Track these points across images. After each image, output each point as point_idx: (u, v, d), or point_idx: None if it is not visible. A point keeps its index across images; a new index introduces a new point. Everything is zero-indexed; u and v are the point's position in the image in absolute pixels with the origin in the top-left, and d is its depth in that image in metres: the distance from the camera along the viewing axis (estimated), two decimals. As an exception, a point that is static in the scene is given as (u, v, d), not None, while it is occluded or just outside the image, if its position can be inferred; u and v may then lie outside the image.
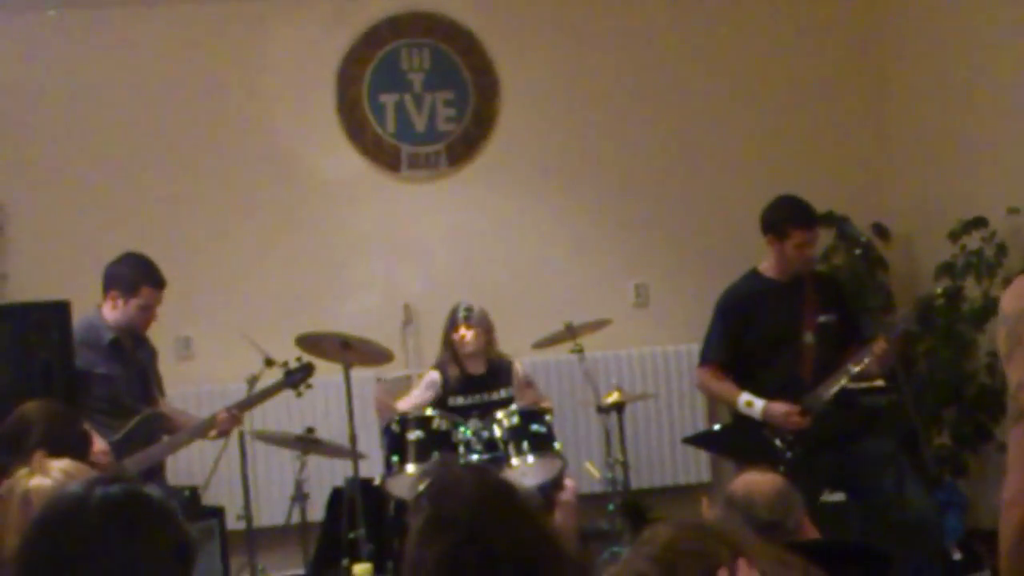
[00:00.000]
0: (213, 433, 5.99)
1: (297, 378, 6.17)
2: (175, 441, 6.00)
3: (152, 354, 6.22)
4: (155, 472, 5.92)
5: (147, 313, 5.97)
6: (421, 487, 2.62)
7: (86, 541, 2.15)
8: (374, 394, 6.72)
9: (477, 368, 6.77)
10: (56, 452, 3.42)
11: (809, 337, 5.90)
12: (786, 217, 5.92)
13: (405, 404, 6.62)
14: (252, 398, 6.08)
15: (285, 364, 6.15)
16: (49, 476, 2.98)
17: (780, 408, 5.73)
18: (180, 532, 2.24)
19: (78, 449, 4.06)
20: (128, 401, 5.91)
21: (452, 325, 6.75)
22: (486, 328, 6.75)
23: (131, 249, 6.06)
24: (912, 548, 5.41)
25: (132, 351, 6.03)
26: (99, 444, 5.52)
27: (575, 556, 2.74)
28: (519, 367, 6.88)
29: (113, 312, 5.92)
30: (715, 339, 6.10)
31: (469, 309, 6.73)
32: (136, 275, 5.93)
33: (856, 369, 5.67)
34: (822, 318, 5.91)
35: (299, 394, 6.24)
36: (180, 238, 7.25)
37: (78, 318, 5.87)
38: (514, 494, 2.68)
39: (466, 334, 6.69)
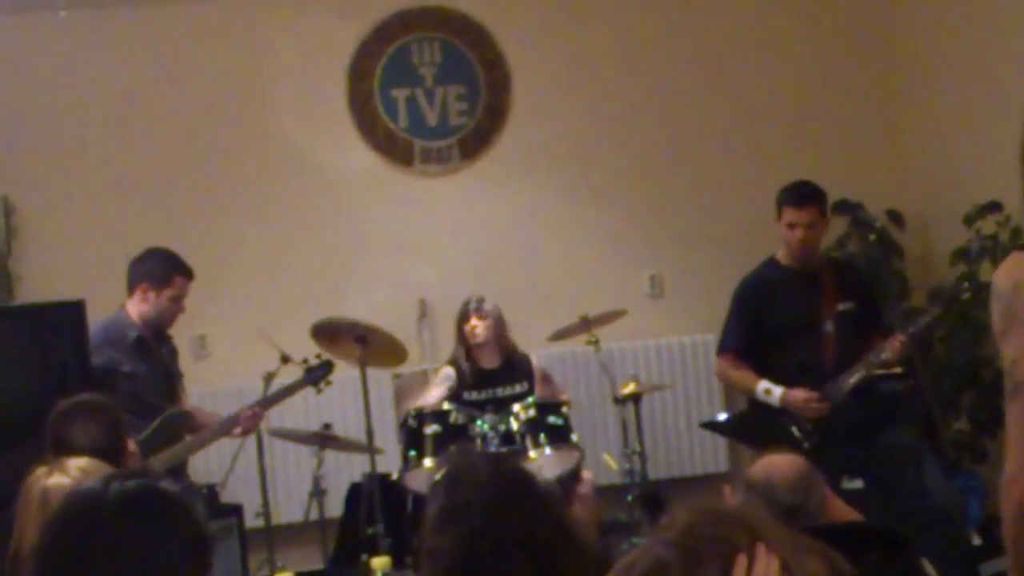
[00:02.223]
0: (238, 431, 6.01)
1: (318, 375, 6.19)
2: (200, 439, 6.01)
3: (173, 352, 6.23)
4: (178, 470, 5.95)
5: (178, 304, 6.03)
6: (438, 476, 2.62)
7: (103, 536, 2.15)
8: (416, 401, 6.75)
9: (492, 362, 6.77)
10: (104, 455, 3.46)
11: (829, 326, 5.89)
12: (780, 196, 5.95)
13: (422, 403, 6.63)
14: (274, 395, 6.10)
15: (305, 361, 6.16)
16: (67, 474, 3.00)
17: (800, 395, 5.72)
18: (197, 526, 2.24)
19: (120, 449, 4.11)
20: (153, 399, 5.93)
21: (463, 317, 6.76)
22: (497, 320, 6.75)
23: (143, 248, 6.09)
24: (932, 535, 5.39)
25: (156, 349, 6.06)
26: (129, 444, 5.59)
27: (593, 546, 2.74)
28: (536, 361, 6.87)
29: (143, 306, 5.95)
30: (733, 327, 6.10)
31: (479, 300, 6.74)
32: (167, 266, 6.00)
33: (876, 362, 5.66)
34: (842, 306, 5.90)
35: (319, 391, 6.25)
36: (193, 236, 7.25)
37: (101, 318, 5.89)
38: (530, 483, 2.67)
39: (476, 325, 6.69)
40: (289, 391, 6.14)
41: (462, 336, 6.77)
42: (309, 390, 6.25)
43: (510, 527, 2.52)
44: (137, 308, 5.96)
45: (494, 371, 6.76)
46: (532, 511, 2.57)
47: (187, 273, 6.04)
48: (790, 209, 5.88)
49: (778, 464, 3.47)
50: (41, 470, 3.03)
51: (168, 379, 6.12)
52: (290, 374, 6.21)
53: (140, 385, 5.91)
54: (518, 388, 6.71)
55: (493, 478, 2.61)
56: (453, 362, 6.80)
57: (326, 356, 6.23)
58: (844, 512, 3.53)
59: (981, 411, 6.82)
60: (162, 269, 5.98)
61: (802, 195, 5.93)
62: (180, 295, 6.02)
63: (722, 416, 7.19)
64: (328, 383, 6.26)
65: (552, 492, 3.03)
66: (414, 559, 5.80)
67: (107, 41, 7.43)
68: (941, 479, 5.69)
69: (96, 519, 2.18)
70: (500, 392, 6.67)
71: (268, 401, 6.08)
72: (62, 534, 2.20)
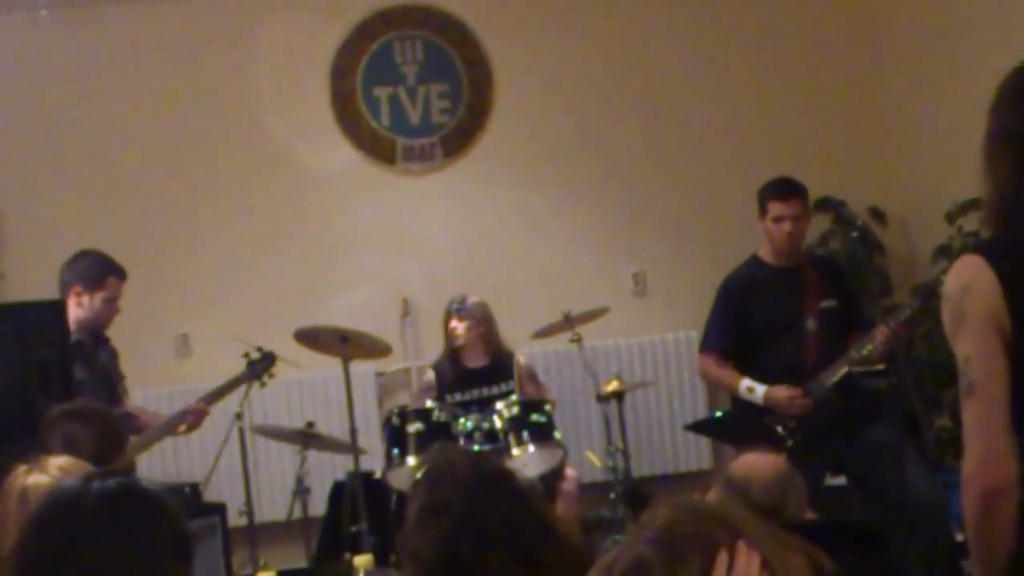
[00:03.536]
0: (183, 428, 5.99)
1: (259, 368, 6.15)
2: (145, 440, 5.95)
3: (113, 355, 6.15)
4: (126, 472, 5.91)
5: (112, 306, 5.94)
6: (419, 474, 2.62)
7: (83, 535, 2.15)
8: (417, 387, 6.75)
9: (477, 362, 6.77)
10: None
11: (811, 323, 5.89)
12: (764, 191, 5.95)
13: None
14: (218, 390, 6.07)
15: (247, 355, 6.14)
16: (47, 473, 2.99)
17: (782, 392, 5.72)
18: (177, 525, 2.24)
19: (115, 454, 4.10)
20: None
21: (446, 318, 6.76)
22: (481, 320, 6.74)
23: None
24: (916, 531, 5.41)
25: (94, 353, 5.99)
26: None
27: (576, 542, 2.74)
28: (521, 360, 6.87)
29: (77, 310, 5.85)
30: (715, 326, 6.09)
31: (461, 301, 6.73)
32: (99, 268, 5.91)
33: (858, 357, 5.67)
34: (824, 303, 5.90)
35: (263, 384, 6.20)
36: (176, 235, 7.25)
37: None
38: (510, 480, 2.68)
39: (457, 327, 6.70)
40: (232, 385, 6.10)
41: (447, 336, 6.77)
42: (290, 388, 6.23)
43: (490, 524, 2.52)
44: (72, 313, 5.83)
45: (479, 370, 6.76)
46: (512, 508, 2.58)
47: (119, 274, 5.94)
48: (776, 203, 5.88)
49: (758, 463, 3.46)
50: (21, 469, 3.02)
51: (108, 383, 6.06)
52: (275, 370, 6.21)
53: (82, 390, 5.86)
54: (504, 387, 6.71)
55: (472, 475, 2.61)
56: (435, 366, 6.81)
57: (268, 349, 6.19)
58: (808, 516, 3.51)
59: (963, 407, 6.82)
60: (94, 271, 5.89)
61: (787, 188, 5.94)
62: (114, 296, 5.92)
63: (717, 414, 7.17)
64: (271, 375, 6.21)
65: (533, 489, 3.03)
66: (397, 557, 5.80)
67: (89, 40, 7.41)
68: (924, 476, 5.70)
69: (77, 518, 2.18)
70: (485, 392, 6.67)
71: (212, 396, 6.05)
72: (43, 533, 2.19)
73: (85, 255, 5.98)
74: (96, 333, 6.00)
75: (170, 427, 5.98)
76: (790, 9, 7.84)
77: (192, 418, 5.97)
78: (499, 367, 6.79)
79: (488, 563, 2.50)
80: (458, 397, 6.64)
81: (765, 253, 6.02)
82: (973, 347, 2.78)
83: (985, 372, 2.77)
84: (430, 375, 6.80)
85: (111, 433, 4.13)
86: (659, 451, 7.61)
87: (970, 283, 2.81)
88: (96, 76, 7.40)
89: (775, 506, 3.30)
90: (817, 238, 7.36)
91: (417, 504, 2.59)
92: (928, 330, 6.94)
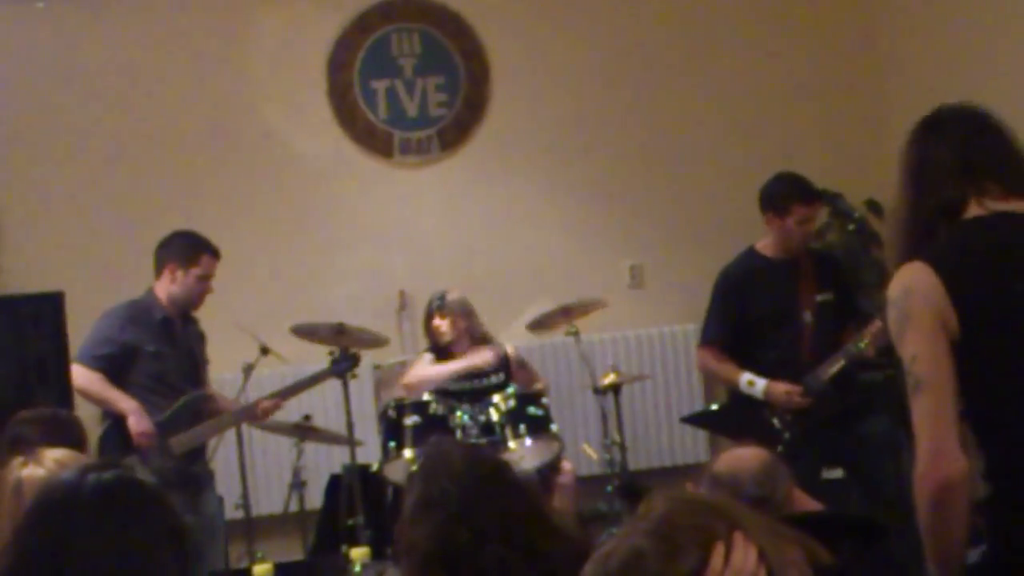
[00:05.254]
0: (255, 419, 6.11)
1: (344, 367, 6.19)
2: (220, 423, 6.07)
3: (201, 337, 6.27)
4: (198, 453, 6.02)
5: (205, 284, 6.10)
6: (415, 468, 2.63)
7: (80, 527, 2.14)
8: (402, 380, 6.73)
9: (462, 355, 6.76)
10: None
11: (808, 316, 5.89)
12: (788, 193, 5.89)
13: (412, 378, 6.63)
14: (296, 385, 6.20)
15: (331, 353, 6.19)
16: (42, 466, 2.98)
17: (782, 388, 5.72)
18: (173, 517, 2.24)
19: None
20: (175, 380, 6.00)
21: (428, 317, 6.77)
22: (462, 315, 6.74)
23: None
24: (912, 524, 5.40)
25: (182, 331, 6.11)
26: (143, 424, 5.63)
27: (572, 534, 2.74)
28: (511, 350, 6.87)
29: (171, 286, 6.02)
30: (714, 319, 6.09)
31: (441, 298, 6.73)
32: (194, 246, 6.09)
33: (854, 350, 5.67)
34: (820, 297, 5.90)
35: (350, 378, 6.26)
36: (172, 227, 7.21)
37: (127, 299, 6.03)
38: (506, 471, 2.68)
39: (440, 324, 6.71)
40: (313, 381, 6.20)
41: (431, 334, 6.78)
42: (284, 381, 6.26)
43: (486, 515, 2.53)
44: (165, 289, 6.04)
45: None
46: (507, 500, 2.58)
47: (214, 252, 6.12)
48: (802, 206, 5.85)
49: (742, 457, 3.48)
50: (16, 461, 3.01)
51: (192, 361, 6.16)
52: (269, 365, 6.24)
53: (164, 365, 5.99)
54: (494, 379, 6.70)
55: (468, 468, 2.62)
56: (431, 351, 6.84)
57: (353, 349, 6.23)
58: (808, 504, 3.54)
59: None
60: (189, 249, 6.07)
61: (812, 191, 5.94)
62: (207, 274, 6.09)
63: (714, 407, 7.16)
64: (354, 375, 6.27)
65: (529, 481, 3.04)
66: (394, 550, 5.81)
67: (86, 32, 7.39)
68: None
69: (73, 510, 2.17)
70: (476, 383, 6.66)
71: (289, 391, 6.17)
72: (38, 525, 2.19)
73: (179, 235, 6.17)
74: (186, 310, 6.12)
75: (244, 416, 6.08)
76: (789, 3, 7.83)
77: (266, 413, 6.10)
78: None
79: (484, 555, 2.50)
80: (450, 387, 6.63)
81: (764, 247, 6.01)
82: (919, 345, 2.88)
83: (932, 369, 2.86)
84: (429, 356, 6.80)
85: (62, 441, 4.07)
86: (656, 444, 7.61)
87: (912, 286, 2.92)
88: (92, 68, 7.39)
89: (765, 497, 3.32)
90: (814, 231, 7.35)
91: (413, 497, 2.60)
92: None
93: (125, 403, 5.80)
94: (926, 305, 2.88)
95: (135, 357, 5.89)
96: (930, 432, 2.84)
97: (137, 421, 5.74)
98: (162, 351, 5.98)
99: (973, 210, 3.01)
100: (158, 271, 6.07)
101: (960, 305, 2.87)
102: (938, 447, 2.82)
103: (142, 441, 5.73)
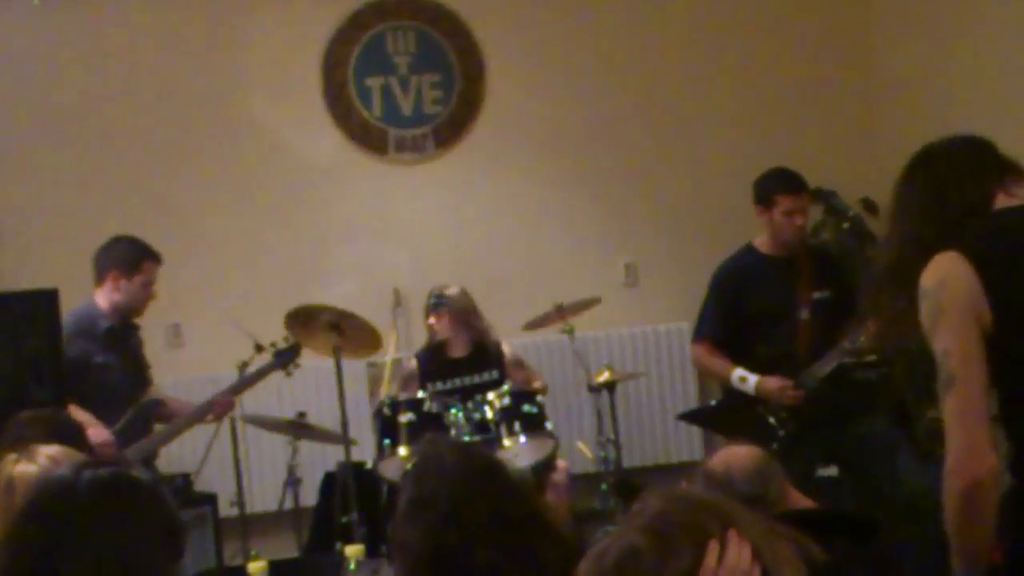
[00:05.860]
0: (210, 417, 6.00)
1: (286, 358, 6.16)
2: (174, 428, 6.00)
3: (140, 342, 6.19)
4: (148, 460, 5.93)
5: (148, 290, 5.99)
6: (408, 466, 2.62)
7: (75, 524, 2.15)
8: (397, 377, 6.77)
9: (459, 351, 6.75)
10: None
11: (805, 313, 5.88)
12: (772, 184, 5.90)
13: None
14: (244, 380, 6.10)
15: (273, 345, 6.14)
16: (35, 462, 2.98)
17: (774, 383, 5.71)
18: (169, 514, 2.24)
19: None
20: (125, 390, 5.91)
21: (426, 313, 6.77)
22: (461, 312, 6.71)
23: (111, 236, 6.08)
24: (907, 523, 5.41)
25: (126, 339, 6.03)
26: (103, 435, 5.54)
27: (566, 533, 2.73)
28: (507, 348, 6.86)
29: (114, 294, 5.91)
30: (709, 315, 6.08)
31: (439, 296, 6.72)
32: (135, 252, 5.96)
33: (850, 348, 5.67)
34: (817, 294, 5.89)
35: (288, 374, 6.22)
36: (167, 224, 7.22)
37: (70, 309, 5.84)
38: (498, 470, 2.67)
39: (435, 323, 6.70)
40: (259, 376, 6.13)
41: (429, 330, 6.79)
42: (281, 379, 6.23)
43: (477, 516, 2.52)
44: (108, 297, 5.92)
45: (461, 360, 6.74)
46: (500, 499, 2.57)
47: (155, 258, 6.00)
48: (786, 197, 5.84)
49: (736, 455, 3.48)
50: (9, 458, 3.01)
51: (137, 368, 6.09)
52: (263, 361, 6.20)
53: (112, 376, 5.88)
54: (487, 376, 6.68)
55: (460, 468, 2.61)
56: (418, 355, 6.82)
57: (293, 339, 6.20)
58: (802, 502, 3.54)
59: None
60: (131, 256, 5.94)
61: (796, 181, 5.92)
62: (150, 280, 5.97)
63: (711, 403, 7.16)
64: (297, 366, 6.23)
65: (523, 479, 3.04)
66: (388, 548, 5.81)
67: (81, 29, 7.39)
68: (915, 467, 5.71)
69: (69, 507, 2.17)
70: (468, 380, 6.65)
71: (239, 387, 6.08)
72: (34, 521, 2.19)
73: (119, 241, 6.02)
74: (129, 318, 6.03)
75: (198, 416, 6.00)
76: (781, 2, 7.83)
77: (219, 409, 6.00)
78: (482, 356, 6.76)
79: (476, 555, 2.50)
80: (440, 386, 6.62)
81: (761, 243, 6.00)
82: (952, 340, 2.87)
83: (964, 364, 2.86)
84: (412, 363, 6.80)
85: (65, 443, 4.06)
86: (650, 442, 7.62)
87: (946, 278, 2.89)
88: (88, 65, 7.38)
89: (759, 494, 3.32)
90: (808, 229, 7.35)
91: (406, 496, 2.60)
92: (920, 321, 6.94)
93: (80, 415, 5.62)
94: (960, 297, 2.86)
95: (83, 370, 5.73)
96: (962, 429, 2.83)
97: (96, 432, 5.47)
98: (109, 362, 5.87)
99: (1001, 201, 3.01)
100: (99, 279, 5.93)
101: (993, 294, 2.85)
102: (970, 444, 2.81)
103: (104, 451, 5.59)
